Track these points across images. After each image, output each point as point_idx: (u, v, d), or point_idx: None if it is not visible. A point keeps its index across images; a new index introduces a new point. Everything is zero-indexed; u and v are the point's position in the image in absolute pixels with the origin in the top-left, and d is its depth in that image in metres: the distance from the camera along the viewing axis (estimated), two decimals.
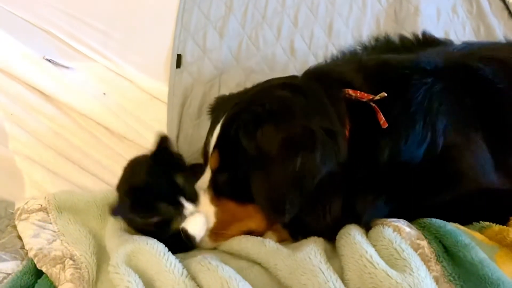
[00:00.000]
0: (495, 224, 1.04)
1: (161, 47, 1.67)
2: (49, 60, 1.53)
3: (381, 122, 1.05)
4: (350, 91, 1.11)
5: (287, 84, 1.15)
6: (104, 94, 1.57)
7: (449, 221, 1.02)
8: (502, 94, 1.18)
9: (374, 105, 1.07)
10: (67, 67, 1.56)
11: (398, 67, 1.18)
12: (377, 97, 1.07)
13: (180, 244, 1.05)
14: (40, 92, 1.50)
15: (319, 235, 1.05)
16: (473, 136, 1.12)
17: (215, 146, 1.10)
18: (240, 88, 1.56)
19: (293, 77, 1.26)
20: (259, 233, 1.10)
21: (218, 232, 1.10)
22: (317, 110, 1.05)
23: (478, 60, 1.22)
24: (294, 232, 1.11)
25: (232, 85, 1.59)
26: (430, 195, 1.09)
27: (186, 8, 1.72)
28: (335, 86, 1.12)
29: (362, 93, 1.10)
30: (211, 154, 1.11)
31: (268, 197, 1.02)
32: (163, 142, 1.12)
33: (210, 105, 1.32)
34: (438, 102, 1.10)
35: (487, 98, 1.17)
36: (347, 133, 1.07)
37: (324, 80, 1.15)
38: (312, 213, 1.04)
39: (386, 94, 1.07)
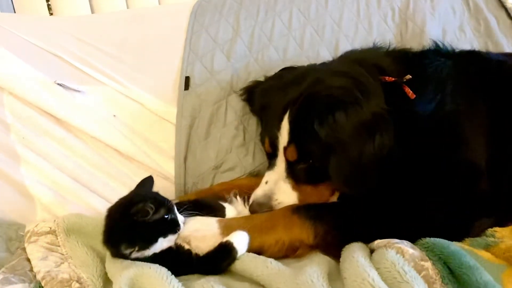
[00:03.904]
0: (501, 241, 1.05)
1: (170, 69, 1.70)
2: (60, 85, 1.56)
3: (409, 95, 1.28)
4: (383, 77, 1.33)
5: (337, 72, 1.34)
6: (114, 116, 1.60)
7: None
8: (504, 66, 1.42)
9: (402, 83, 1.31)
10: (78, 91, 1.59)
11: (418, 52, 1.49)
12: (403, 79, 1.31)
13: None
14: (52, 115, 1.53)
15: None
16: (476, 105, 1.31)
17: (291, 140, 1.27)
18: (246, 109, 1.59)
19: (328, 63, 1.49)
20: None
21: None
22: (372, 94, 1.26)
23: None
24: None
25: (238, 106, 1.62)
26: (433, 151, 1.23)
27: (195, 31, 1.76)
28: (373, 71, 1.34)
29: (391, 78, 1.33)
30: (287, 148, 1.27)
31: (347, 176, 1.21)
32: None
33: (242, 90, 1.58)
34: (447, 72, 1.36)
35: (490, 70, 1.40)
36: None
37: (363, 65, 1.36)
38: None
39: (410, 76, 1.31)
